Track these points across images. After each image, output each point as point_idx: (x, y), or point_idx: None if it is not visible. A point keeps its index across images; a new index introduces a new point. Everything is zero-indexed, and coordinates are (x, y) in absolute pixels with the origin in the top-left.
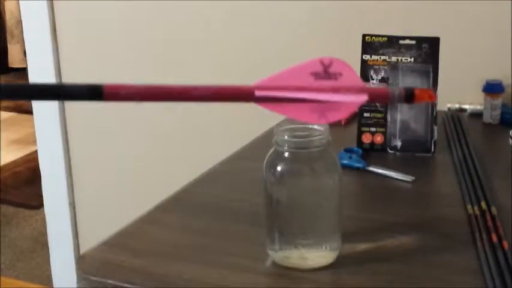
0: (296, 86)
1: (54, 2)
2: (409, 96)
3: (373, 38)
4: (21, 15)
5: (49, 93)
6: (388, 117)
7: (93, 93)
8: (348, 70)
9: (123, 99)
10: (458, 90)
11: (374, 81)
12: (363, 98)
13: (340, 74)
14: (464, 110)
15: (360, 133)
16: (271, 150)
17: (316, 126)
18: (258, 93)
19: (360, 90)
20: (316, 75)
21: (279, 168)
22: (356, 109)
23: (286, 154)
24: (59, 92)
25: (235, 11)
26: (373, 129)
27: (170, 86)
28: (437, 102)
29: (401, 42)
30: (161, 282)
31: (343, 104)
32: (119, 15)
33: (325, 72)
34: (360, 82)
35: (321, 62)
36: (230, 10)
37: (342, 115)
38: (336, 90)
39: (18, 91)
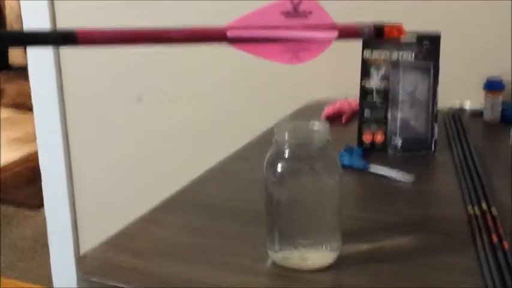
0: (267, 25)
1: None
2: (379, 32)
3: None
4: (21, 10)
5: (25, 40)
6: (389, 116)
7: (67, 38)
8: (318, 8)
9: (97, 43)
10: (458, 89)
11: (375, 79)
12: (333, 34)
13: (310, 13)
14: (464, 109)
15: (361, 132)
16: (272, 149)
17: (316, 126)
18: (230, 33)
19: (330, 27)
20: (287, 14)
21: (279, 168)
22: (327, 47)
23: (287, 153)
24: (35, 38)
25: (235, 11)
26: (373, 127)
27: (144, 30)
28: (437, 101)
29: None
30: (161, 282)
31: (315, 43)
32: (119, 15)
33: (295, 10)
34: (329, 20)
35: (291, 1)
36: (230, 10)
37: (313, 54)
38: (306, 28)
39: None
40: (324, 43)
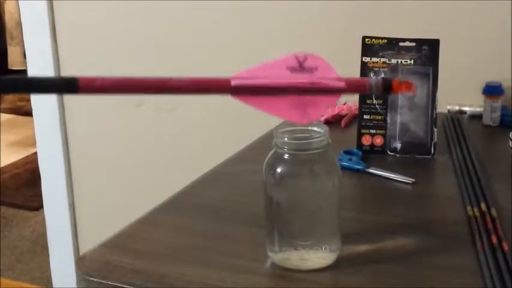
0: (273, 79)
1: (53, 2)
2: (387, 88)
3: (373, 40)
4: (21, 16)
5: (24, 87)
6: (388, 119)
7: (68, 86)
8: (323, 64)
9: (98, 91)
10: (458, 92)
11: None
12: (340, 90)
13: (316, 68)
14: (464, 112)
15: (360, 135)
16: (271, 152)
17: (316, 128)
18: (234, 82)
19: (336, 82)
20: (293, 70)
21: (278, 170)
22: (334, 102)
23: (286, 156)
24: (34, 86)
25: (234, 13)
26: (372, 131)
27: (146, 78)
28: (437, 105)
29: (401, 44)
30: (161, 283)
31: (322, 98)
32: (119, 15)
33: (301, 66)
34: (335, 75)
35: (296, 57)
36: (229, 11)
37: (321, 110)
38: (312, 83)
39: None
40: (331, 98)
